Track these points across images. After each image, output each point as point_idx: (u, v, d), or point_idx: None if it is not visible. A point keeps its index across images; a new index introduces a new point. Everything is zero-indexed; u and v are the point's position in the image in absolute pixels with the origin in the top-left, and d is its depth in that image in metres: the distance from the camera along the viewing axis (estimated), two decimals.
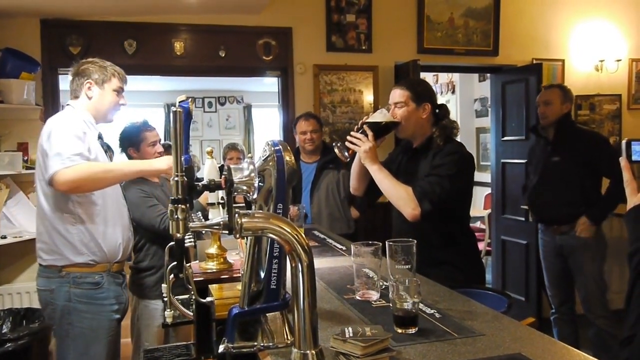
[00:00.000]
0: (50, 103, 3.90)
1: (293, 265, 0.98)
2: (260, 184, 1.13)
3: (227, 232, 0.98)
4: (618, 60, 5.00)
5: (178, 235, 0.97)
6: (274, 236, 0.99)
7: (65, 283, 2.33)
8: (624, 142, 1.25)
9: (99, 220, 2.37)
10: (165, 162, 2.34)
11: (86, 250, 2.34)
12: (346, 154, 2.36)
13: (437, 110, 2.44)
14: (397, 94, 2.39)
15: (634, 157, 1.24)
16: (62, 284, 2.33)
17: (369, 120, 2.36)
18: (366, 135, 2.30)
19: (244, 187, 1.11)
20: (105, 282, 2.40)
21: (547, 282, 3.85)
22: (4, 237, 3.65)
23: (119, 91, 2.50)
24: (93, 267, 2.36)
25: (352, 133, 2.34)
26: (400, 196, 2.24)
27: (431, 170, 2.28)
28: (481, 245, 6.03)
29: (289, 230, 0.97)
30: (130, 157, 3.12)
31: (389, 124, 2.36)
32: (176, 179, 0.98)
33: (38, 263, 2.41)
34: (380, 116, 2.37)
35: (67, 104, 2.48)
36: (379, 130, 2.34)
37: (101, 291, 2.39)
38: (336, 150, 2.39)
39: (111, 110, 2.51)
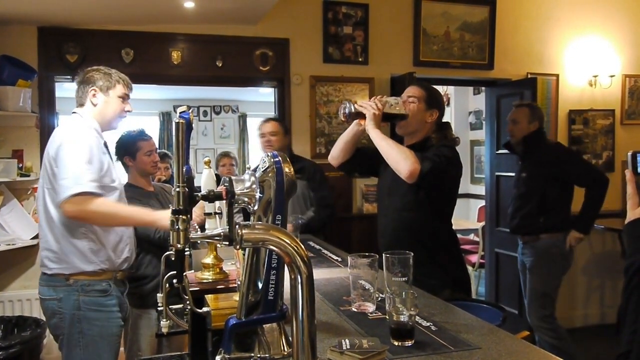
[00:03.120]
0: (46, 110, 3.89)
1: (292, 277, 0.98)
2: (259, 195, 1.13)
3: (227, 243, 0.98)
4: (612, 76, 5.04)
5: (179, 246, 0.97)
6: (274, 248, 0.99)
7: (74, 291, 2.30)
8: (629, 154, 1.27)
9: (109, 229, 2.37)
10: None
11: (96, 259, 2.32)
12: (348, 116, 2.46)
13: (440, 124, 2.53)
14: (414, 89, 2.53)
15: (639, 170, 1.26)
16: (70, 292, 2.30)
17: (384, 99, 2.48)
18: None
19: (245, 199, 1.11)
20: (112, 289, 2.39)
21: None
22: None
23: (124, 98, 2.49)
24: (100, 275, 2.35)
25: (364, 101, 2.49)
26: (401, 151, 2.33)
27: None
28: (475, 258, 6.03)
29: (289, 242, 0.97)
30: (126, 165, 3.13)
31: (397, 114, 2.49)
32: (177, 189, 0.98)
33: (42, 272, 2.36)
34: (393, 101, 2.49)
35: (74, 112, 2.45)
36: (388, 113, 2.46)
37: (109, 298, 2.37)
38: (341, 107, 2.50)
39: (116, 117, 2.49)
